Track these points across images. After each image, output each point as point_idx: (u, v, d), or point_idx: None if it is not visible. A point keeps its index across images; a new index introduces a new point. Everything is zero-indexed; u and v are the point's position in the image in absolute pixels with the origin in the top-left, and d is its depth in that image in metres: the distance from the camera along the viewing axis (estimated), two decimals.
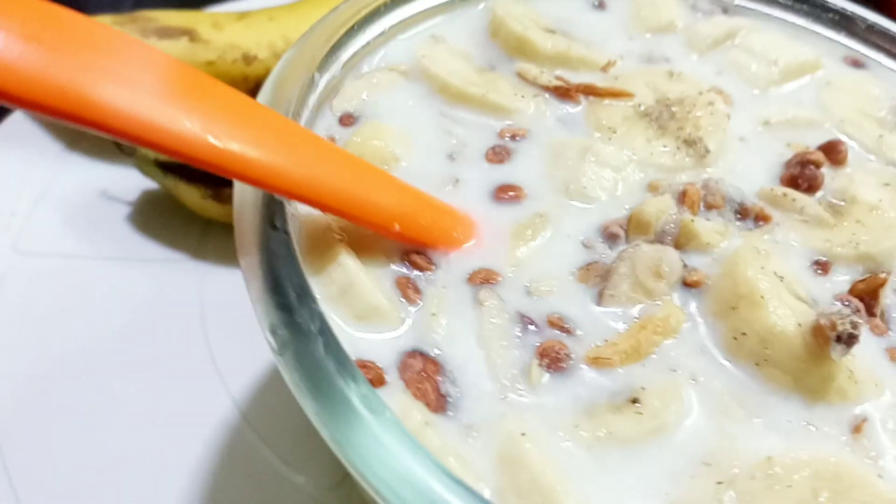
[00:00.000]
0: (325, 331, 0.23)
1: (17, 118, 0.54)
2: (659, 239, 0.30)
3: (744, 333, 0.27)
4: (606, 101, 0.35)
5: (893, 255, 0.31)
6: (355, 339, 0.26)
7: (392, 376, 0.25)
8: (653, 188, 0.32)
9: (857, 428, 0.26)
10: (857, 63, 0.40)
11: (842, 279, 0.30)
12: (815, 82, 0.39)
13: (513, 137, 0.34)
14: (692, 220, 0.30)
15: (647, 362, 0.27)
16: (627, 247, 0.29)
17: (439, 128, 0.34)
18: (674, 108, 0.35)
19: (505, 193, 0.31)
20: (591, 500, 0.23)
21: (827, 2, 0.41)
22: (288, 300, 0.24)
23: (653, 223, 0.30)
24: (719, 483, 0.24)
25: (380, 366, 0.26)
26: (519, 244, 0.30)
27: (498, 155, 0.33)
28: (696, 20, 0.40)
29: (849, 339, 0.26)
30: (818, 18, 0.41)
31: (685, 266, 0.29)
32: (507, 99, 0.34)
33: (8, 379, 0.42)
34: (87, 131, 0.21)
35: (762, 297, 0.27)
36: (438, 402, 0.25)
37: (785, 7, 0.41)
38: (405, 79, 0.35)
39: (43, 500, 0.38)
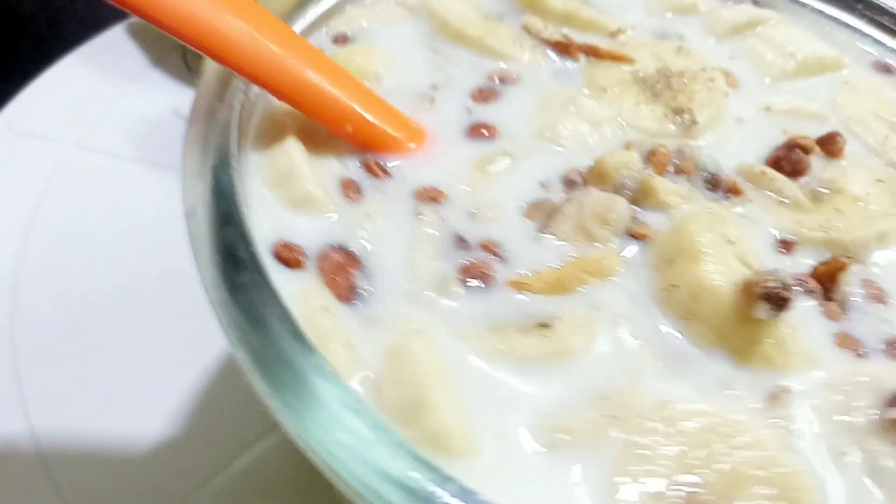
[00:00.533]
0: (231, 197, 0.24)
1: (113, 33, 0.58)
2: (617, 191, 0.30)
3: (675, 286, 0.26)
4: (606, 64, 0.35)
5: (866, 247, 0.29)
6: (286, 220, 0.27)
7: (310, 263, 0.26)
8: (627, 147, 0.32)
9: (774, 398, 0.25)
10: (886, 68, 0.38)
11: (805, 262, 0.29)
12: (833, 81, 0.37)
13: (502, 80, 0.34)
14: (652, 177, 0.29)
15: (571, 297, 0.26)
16: (579, 191, 0.29)
17: (431, 62, 0.34)
18: (672, 79, 0.34)
19: (478, 131, 0.31)
20: (462, 398, 0.23)
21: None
22: (223, 167, 0.25)
23: (613, 175, 0.30)
24: (609, 417, 0.23)
25: (302, 250, 0.26)
26: (477, 174, 0.30)
27: (484, 95, 0.33)
28: (723, 5, 0.40)
29: (777, 301, 0.25)
30: (853, 11, 0.39)
31: (635, 219, 0.29)
32: (504, 45, 0.35)
33: (40, 265, 0.45)
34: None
35: (700, 251, 0.26)
36: (347, 293, 0.25)
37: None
38: (409, 13, 0.36)
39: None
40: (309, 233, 0.27)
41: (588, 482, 0.22)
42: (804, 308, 0.27)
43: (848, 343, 0.27)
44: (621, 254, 0.28)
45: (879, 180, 0.32)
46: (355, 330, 0.24)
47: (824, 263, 0.29)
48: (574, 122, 0.32)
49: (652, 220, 0.29)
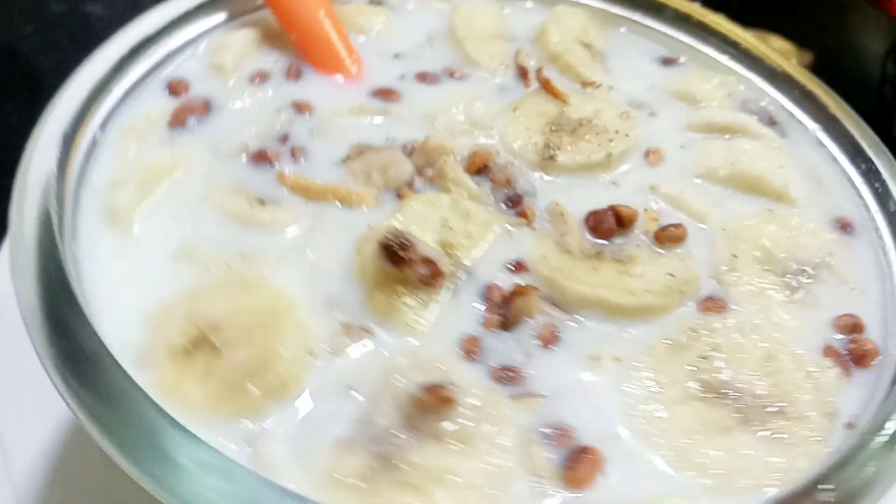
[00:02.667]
0: None
1: None
2: (425, 164, 0.35)
3: (371, 227, 0.31)
4: (545, 97, 0.39)
5: (579, 304, 0.30)
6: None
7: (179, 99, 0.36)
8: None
9: (349, 329, 0.28)
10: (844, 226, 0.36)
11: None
12: (758, 205, 0.36)
13: (450, 74, 0.40)
14: (447, 162, 0.34)
15: (310, 204, 0.33)
16: (390, 148, 0.35)
17: (419, 44, 0.42)
18: (582, 128, 0.37)
19: (388, 92, 0.38)
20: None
21: None
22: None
23: (430, 152, 0.35)
24: (238, 257, 0.30)
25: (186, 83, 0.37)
26: (351, 112, 0.37)
27: (426, 77, 0.40)
28: (727, 110, 0.40)
29: (389, 253, 0.28)
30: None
31: (411, 185, 0.34)
32: (482, 56, 0.41)
33: None
34: None
35: (409, 214, 0.31)
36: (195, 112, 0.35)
37: None
38: (435, 12, 0.44)
39: None
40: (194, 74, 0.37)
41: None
42: (466, 304, 0.30)
43: (469, 346, 0.29)
44: (378, 199, 0.33)
45: (671, 274, 0.31)
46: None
47: (521, 292, 0.30)
48: (457, 115, 0.37)
49: (424, 191, 0.34)
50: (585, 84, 0.40)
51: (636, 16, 0.44)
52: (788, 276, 0.33)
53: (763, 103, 0.41)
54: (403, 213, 0.31)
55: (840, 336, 0.31)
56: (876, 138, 0.37)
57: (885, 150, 0.36)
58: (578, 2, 0.45)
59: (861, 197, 0.36)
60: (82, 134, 0.32)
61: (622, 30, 0.44)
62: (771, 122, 0.40)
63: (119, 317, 0.28)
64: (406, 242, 0.28)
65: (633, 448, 0.27)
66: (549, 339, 0.29)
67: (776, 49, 0.59)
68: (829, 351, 0.30)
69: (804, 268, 0.33)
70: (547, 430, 0.27)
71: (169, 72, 0.37)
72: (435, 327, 0.29)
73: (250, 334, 0.27)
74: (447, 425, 0.26)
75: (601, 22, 0.44)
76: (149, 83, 0.36)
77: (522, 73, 0.40)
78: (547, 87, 0.39)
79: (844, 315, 0.31)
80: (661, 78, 0.42)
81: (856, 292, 0.33)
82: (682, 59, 0.43)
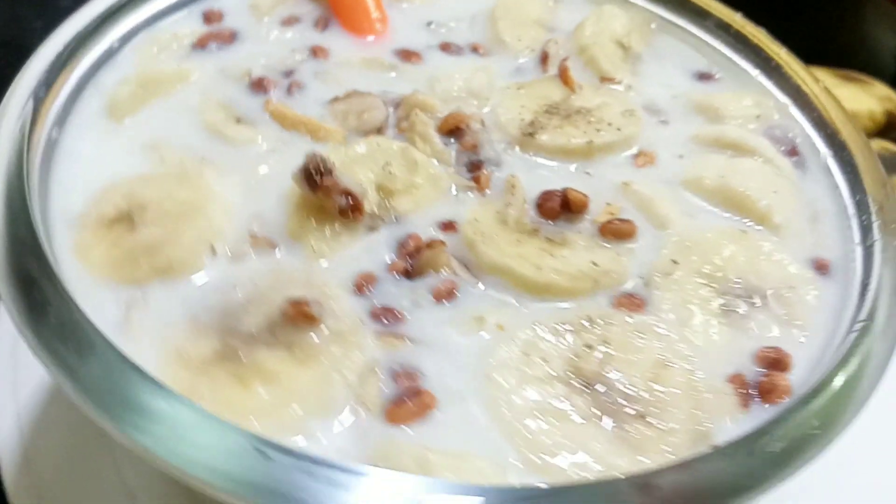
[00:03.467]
0: None
1: None
2: (403, 118, 0.36)
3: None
4: (556, 83, 0.39)
5: (488, 271, 0.30)
6: None
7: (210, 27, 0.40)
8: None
9: (256, 240, 0.30)
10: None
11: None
12: (730, 227, 0.34)
13: (474, 50, 0.41)
14: (419, 116, 0.35)
15: (283, 132, 0.35)
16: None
17: (467, 20, 0.43)
18: (579, 114, 0.37)
19: (412, 54, 0.40)
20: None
21: None
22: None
23: (411, 106, 0.36)
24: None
25: (221, 14, 0.40)
26: (363, 64, 0.39)
27: (449, 48, 0.41)
28: (748, 130, 0.38)
29: (306, 175, 0.30)
30: None
31: (380, 131, 0.35)
32: (511, 37, 0.41)
33: None
34: None
35: (352, 154, 0.33)
36: (221, 39, 0.39)
37: None
38: None
39: None
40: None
41: None
42: (379, 246, 0.31)
43: (363, 282, 0.30)
44: (348, 139, 0.35)
45: (594, 263, 0.31)
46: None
47: (430, 245, 0.31)
48: (458, 82, 0.38)
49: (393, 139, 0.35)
50: (604, 79, 0.40)
51: (681, 21, 0.42)
52: (730, 296, 0.31)
53: (791, 134, 0.38)
54: (347, 149, 0.33)
55: (756, 368, 0.29)
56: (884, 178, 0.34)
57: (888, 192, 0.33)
58: (630, 2, 0.44)
59: (853, 240, 0.33)
60: (98, 40, 0.36)
61: (666, 37, 0.43)
62: (791, 153, 0.37)
63: (72, 186, 0.31)
64: (324, 169, 0.30)
65: (470, 408, 0.26)
66: (444, 296, 0.29)
67: (879, 96, 0.55)
68: (734, 378, 0.28)
69: (753, 294, 0.31)
70: (396, 369, 0.27)
71: (209, 3, 0.41)
72: (339, 258, 0.30)
73: (165, 219, 0.30)
74: (302, 338, 0.27)
75: (646, 28, 0.43)
76: (187, 9, 0.40)
77: (543, 59, 0.40)
78: (563, 74, 0.39)
79: (772, 348, 0.29)
80: (690, 90, 0.40)
81: (800, 331, 0.30)
82: (718, 76, 0.41)
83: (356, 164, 0.32)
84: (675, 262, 0.31)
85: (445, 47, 0.41)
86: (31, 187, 0.29)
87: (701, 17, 0.42)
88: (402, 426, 0.26)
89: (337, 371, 0.26)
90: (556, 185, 0.33)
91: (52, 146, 0.32)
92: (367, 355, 0.27)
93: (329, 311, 0.28)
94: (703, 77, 0.41)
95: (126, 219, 0.30)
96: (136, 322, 0.27)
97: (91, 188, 0.31)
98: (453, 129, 0.35)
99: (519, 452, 0.25)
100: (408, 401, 0.26)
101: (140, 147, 0.33)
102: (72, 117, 0.34)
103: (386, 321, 0.28)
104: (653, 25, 0.43)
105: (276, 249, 0.30)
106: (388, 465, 0.24)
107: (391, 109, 0.36)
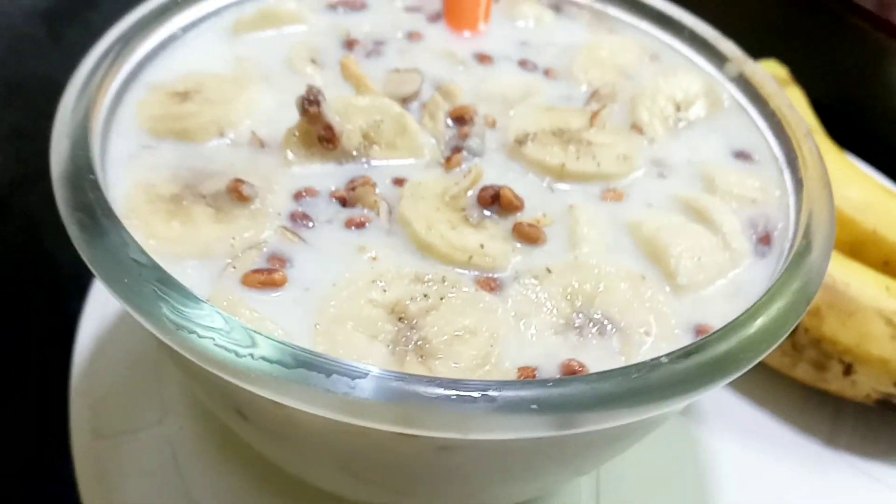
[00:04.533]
0: None
1: None
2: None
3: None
4: (586, 117, 0.42)
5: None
6: None
7: None
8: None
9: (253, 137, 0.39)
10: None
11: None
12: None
13: (546, 73, 0.46)
14: (435, 100, 0.41)
15: (339, 78, 0.43)
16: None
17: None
18: (581, 142, 0.40)
19: (482, 58, 0.46)
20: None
21: None
22: None
23: (441, 91, 0.42)
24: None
25: None
26: (445, 56, 0.46)
27: (528, 66, 0.46)
28: (728, 210, 0.38)
29: (302, 104, 0.38)
30: None
31: (404, 102, 0.42)
32: (582, 71, 0.46)
33: None
34: None
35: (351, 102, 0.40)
36: (349, 5, 0.48)
37: None
38: None
39: None
40: None
41: None
42: (337, 176, 0.38)
43: (302, 193, 0.37)
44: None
45: (481, 245, 0.35)
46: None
47: (365, 182, 0.37)
48: (497, 88, 0.43)
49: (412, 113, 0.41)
50: (633, 127, 0.42)
51: (747, 103, 0.43)
52: (581, 317, 0.33)
53: (774, 225, 0.38)
54: (353, 98, 0.40)
55: (559, 374, 0.31)
56: None
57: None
58: (704, 71, 0.46)
59: None
60: None
61: (734, 116, 0.44)
62: (764, 241, 0.37)
63: (172, 64, 0.42)
64: (315, 101, 0.38)
65: (304, 298, 0.32)
66: (354, 224, 0.35)
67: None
68: (525, 370, 0.31)
69: (605, 322, 0.33)
70: (276, 253, 0.34)
71: None
72: (302, 172, 0.38)
73: (204, 103, 0.40)
74: (230, 207, 0.35)
75: (718, 100, 0.45)
76: None
77: (592, 94, 0.44)
78: (595, 113, 0.42)
79: (581, 364, 0.31)
80: (717, 162, 0.41)
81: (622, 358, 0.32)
82: (757, 157, 0.42)
83: (354, 111, 0.39)
84: (549, 270, 0.34)
85: (523, 63, 0.46)
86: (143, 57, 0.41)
87: (763, 103, 0.43)
88: (248, 288, 0.32)
89: (233, 235, 0.34)
90: (524, 190, 0.38)
91: (174, 39, 0.44)
92: (262, 236, 0.34)
93: (261, 198, 0.36)
94: (741, 156, 0.42)
95: (183, 95, 0.40)
96: (139, 158, 0.37)
97: (182, 69, 0.42)
98: (459, 117, 0.41)
99: (315, 343, 0.31)
100: (263, 273, 0.33)
101: (234, 57, 0.44)
102: (206, 24, 0.45)
103: (296, 221, 0.35)
104: (726, 103, 0.45)
105: (263, 149, 0.39)
106: (216, 304, 0.31)
107: (428, 89, 0.43)
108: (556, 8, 0.51)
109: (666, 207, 0.38)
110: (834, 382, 0.49)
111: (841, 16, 0.68)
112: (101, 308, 0.51)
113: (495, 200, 0.37)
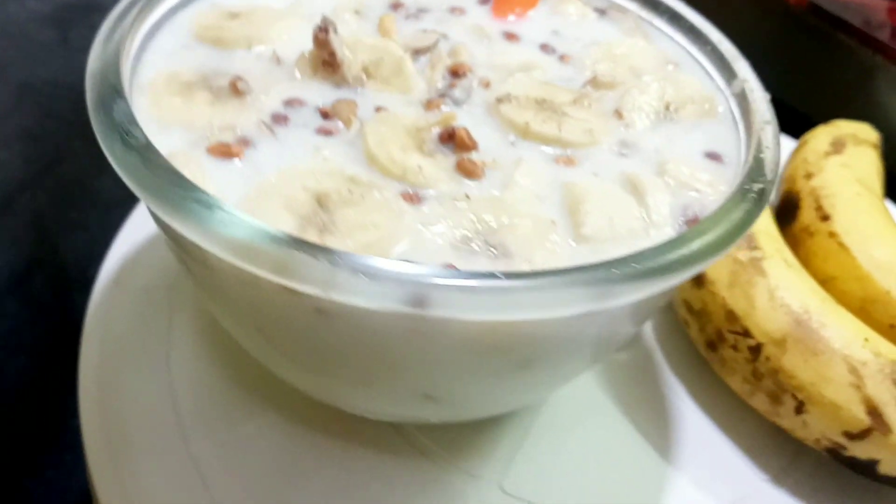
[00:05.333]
0: None
1: None
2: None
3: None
4: (575, 95, 0.46)
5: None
6: None
7: None
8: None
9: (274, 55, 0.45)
10: None
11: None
12: None
13: (561, 58, 0.49)
14: (438, 53, 0.46)
15: (374, 32, 0.49)
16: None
17: None
18: (558, 112, 0.44)
19: (510, 36, 0.50)
20: None
21: None
22: None
23: (452, 49, 0.47)
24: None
25: None
26: (475, 32, 0.51)
27: (546, 49, 0.50)
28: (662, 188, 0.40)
29: (315, 31, 0.44)
30: None
31: (414, 53, 0.47)
32: (592, 60, 0.49)
33: None
34: None
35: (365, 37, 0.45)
36: None
37: None
38: None
39: None
40: None
41: None
42: (329, 94, 0.43)
43: (291, 101, 0.42)
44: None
45: (419, 165, 0.39)
46: None
47: (349, 103, 0.42)
48: (512, 59, 0.47)
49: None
50: (616, 113, 0.45)
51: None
52: (477, 237, 0.36)
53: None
54: (363, 36, 0.46)
55: None
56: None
57: None
58: (713, 81, 0.47)
59: None
60: None
61: (724, 125, 0.45)
62: (690, 222, 0.39)
63: None
64: (325, 29, 0.43)
65: (253, 175, 0.38)
66: (323, 132, 0.41)
67: None
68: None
69: (497, 246, 0.36)
70: (243, 137, 0.40)
71: None
72: (302, 86, 0.43)
73: (246, 23, 0.47)
74: (226, 97, 0.42)
75: (712, 108, 0.46)
76: None
77: (591, 79, 0.47)
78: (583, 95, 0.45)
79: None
80: (679, 154, 0.43)
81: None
82: (726, 160, 0.43)
83: (361, 47, 0.45)
84: (468, 197, 0.38)
85: (543, 47, 0.50)
86: None
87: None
88: (209, 155, 0.38)
89: (217, 117, 0.40)
90: (487, 139, 0.42)
91: None
92: (240, 122, 0.40)
93: (254, 97, 0.42)
94: (711, 156, 0.43)
95: (234, 15, 0.48)
96: (177, 54, 0.45)
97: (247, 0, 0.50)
98: (455, 70, 0.45)
99: (238, 207, 0.36)
100: (225, 146, 0.39)
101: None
102: None
103: (275, 119, 0.41)
104: (720, 108, 0.46)
105: (278, 65, 0.45)
106: (176, 159, 0.37)
107: (445, 48, 0.48)
108: (601, 11, 0.54)
109: (611, 179, 0.41)
110: (786, 419, 0.48)
111: (827, 32, 0.68)
112: (107, 302, 0.53)
113: (451, 138, 0.41)
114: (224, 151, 0.38)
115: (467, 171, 0.39)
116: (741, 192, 0.37)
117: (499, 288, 0.31)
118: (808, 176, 0.60)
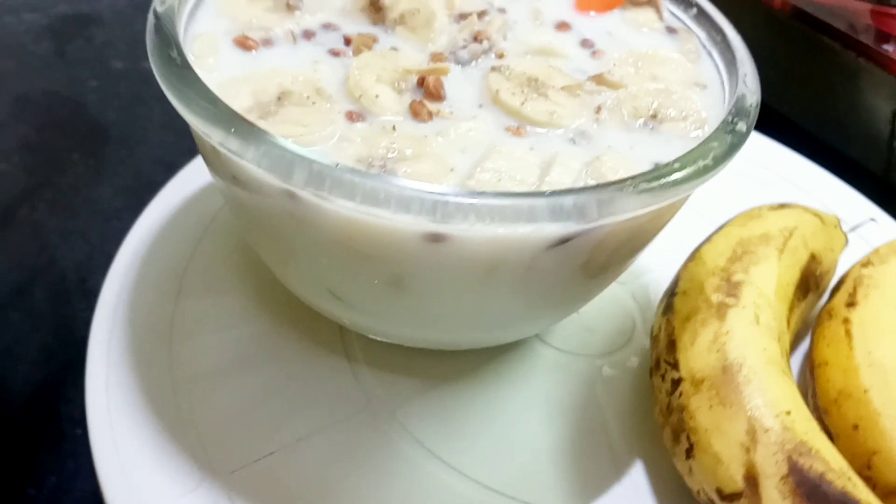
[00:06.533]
0: None
1: None
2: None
3: None
4: (577, 83, 0.49)
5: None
6: None
7: None
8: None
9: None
10: None
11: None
12: None
13: (593, 54, 0.52)
14: (435, 12, 0.51)
15: None
16: None
17: None
18: (540, 92, 0.47)
19: (562, 26, 0.54)
20: None
21: None
22: None
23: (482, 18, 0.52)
24: None
25: None
26: (533, 16, 0.55)
27: (586, 44, 0.53)
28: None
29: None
30: None
31: (463, 16, 0.52)
32: (617, 63, 0.51)
33: None
34: None
35: None
36: None
37: None
38: None
39: None
40: None
41: None
42: (366, 27, 0.51)
43: (329, 24, 0.51)
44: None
45: (377, 95, 0.45)
46: None
47: (367, 36, 0.49)
48: (535, 41, 0.51)
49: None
50: (597, 108, 0.47)
51: None
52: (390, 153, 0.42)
53: None
54: None
55: None
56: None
57: None
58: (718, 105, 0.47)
59: None
60: None
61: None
62: None
63: None
64: None
65: (255, 66, 0.47)
66: (333, 52, 0.49)
67: None
68: None
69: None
70: (266, 38, 0.49)
71: None
72: (343, 16, 0.52)
73: None
74: (283, 9, 0.51)
75: (699, 126, 0.46)
76: None
77: (597, 75, 0.49)
78: (574, 85, 0.48)
79: None
80: (630, 160, 0.45)
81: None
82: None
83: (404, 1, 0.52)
84: (394, 128, 0.43)
85: (585, 42, 0.53)
86: None
87: None
88: (233, 44, 0.48)
89: (260, 18, 0.50)
90: (462, 96, 0.47)
91: None
92: (273, 27, 0.49)
93: (302, 13, 0.51)
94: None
95: None
96: None
97: None
98: (476, 36, 0.50)
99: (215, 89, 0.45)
100: (247, 39, 0.48)
101: None
102: None
103: (304, 35, 0.50)
104: (706, 127, 0.47)
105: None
106: (204, 41, 0.47)
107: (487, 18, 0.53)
108: (672, 30, 0.55)
109: (537, 154, 0.44)
110: (680, 461, 0.47)
111: (811, 36, 0.68)
112: (110, 314, 0.54)
113: (422, 82, 0.46)
114: (243, 43, 0.48)
115: (415, 111, 0.45)
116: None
117: (353, 184, 0.37)
118: (867, 264, 0.56)
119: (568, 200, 0.37)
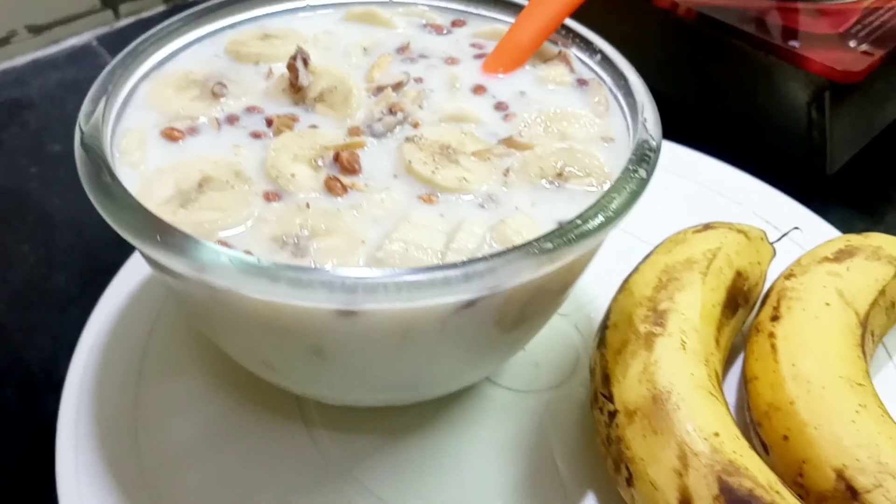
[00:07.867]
0: None
1: None
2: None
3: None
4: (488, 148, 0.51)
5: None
6: None
7: None
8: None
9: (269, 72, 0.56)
10: None
11: None
12: None
13: (506, 117, 0.55)
14: (353, 89, 0.53)
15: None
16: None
17: None
18: (452, 159, 0.50)
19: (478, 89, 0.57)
20: None
21: None
22: None
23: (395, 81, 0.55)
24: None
25: None
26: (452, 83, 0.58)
27: (502, 109, 0.55)
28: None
29: (290, 59, 0.54)
30: None
31: (379, 90, 0.55)
32: (523, 124, 0.53)
33: None
34: None
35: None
36: None
37: None
38: None
39: None
40: None
41: None
42: (286, 103, 0.54)
43: (252, 108, 0.54)
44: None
45: (293, 176, 0.48)
46: None
47: (291, 118, 0.52)
48: (449, 106, 0.54)
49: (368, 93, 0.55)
50: (505, 171, 0.50)
51: None
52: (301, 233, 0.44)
53: None
54: (328, 66, 0.55)
55: None
56: None
57: None
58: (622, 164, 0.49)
59: None
60: None
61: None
62: None
63: None
64: (295, 58, 0.54)
65: (180, 156, 0.50)
66: (255, 135, 0.51)
67: None
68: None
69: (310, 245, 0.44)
70: (191, 126, 0.52)
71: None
72: (267, 98, 0.54)
73: (279, 42, 0.59)
74: (209, 97, 0.54)
75: (601, 182, 0.49)
76: None
77: (507, 139, 0.52)
78: (484, 151, 0.51)
79: None
80: (535, 220, 0.47)
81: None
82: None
83: (324, 75, 0.54)
84: (308, 205, 0.46)
85: (500, 105, 0.55)
86: None
87: None
88: (159, 136, 0.51)
89: (187, 108, 0.53)
90: (377, 169, 0.50)
91: (304, 10, 0.63)
92: (199, 114, 0.52)
93: (227, 100, 0.53)
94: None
95: (266, 37, 0.60)
96: (208, 62, 0.58)
97: (289, 26, 0.62)
98: (392, 108, 0.53)
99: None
100: (174, 130, 0.51)
101: (324, 30, 0.61)
102: (329, 10, 0.64)
103: (228, 120, 0.52)
104: (607, 182, 0.49)
105: (267, 79, 0.56)
106: (133, 134, 0.50)
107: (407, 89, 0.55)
108: (583, 83, 0.58)
109: (446, 221, 0.46)
110: (623, 489, 0.49)
111: (719, 39, 0.73)
112: (73, 412, 0.55)
113: (337, 157, 0.49)
114: (169, 135, 0.51)
115: (329, 186, 0.47)
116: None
117: (258, 269, 0.39)
118: (789, 276, 0.58)
119: (471, 269, 0.39)
